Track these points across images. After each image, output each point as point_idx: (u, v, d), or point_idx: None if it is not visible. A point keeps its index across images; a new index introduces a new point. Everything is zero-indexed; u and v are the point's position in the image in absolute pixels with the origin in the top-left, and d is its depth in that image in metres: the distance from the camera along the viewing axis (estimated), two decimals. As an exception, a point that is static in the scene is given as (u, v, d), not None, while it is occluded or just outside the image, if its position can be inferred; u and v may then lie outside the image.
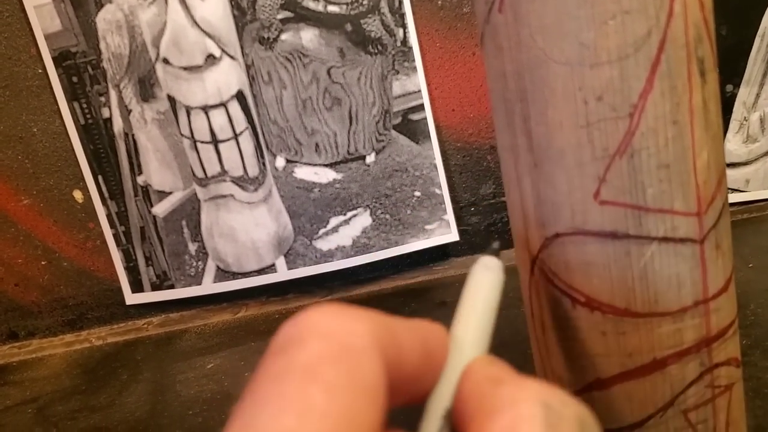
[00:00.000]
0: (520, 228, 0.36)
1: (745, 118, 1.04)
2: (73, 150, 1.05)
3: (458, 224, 1.06)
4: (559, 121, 0.31)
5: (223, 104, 1.00)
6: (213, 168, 1.03)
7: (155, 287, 1.11)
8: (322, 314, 0.24)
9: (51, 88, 1.02)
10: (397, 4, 0.98)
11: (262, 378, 0.22)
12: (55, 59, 1.01)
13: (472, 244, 1.11)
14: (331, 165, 1.03)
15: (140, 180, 1.05)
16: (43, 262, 1.12)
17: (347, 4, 0.97)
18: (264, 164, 1.03)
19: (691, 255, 0.32)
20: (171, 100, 1.01)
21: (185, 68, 0.99)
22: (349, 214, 1.05)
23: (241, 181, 1.04)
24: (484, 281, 0.31)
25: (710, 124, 0.31)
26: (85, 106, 1.02)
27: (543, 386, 0.24)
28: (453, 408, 0.26)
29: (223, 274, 1.09)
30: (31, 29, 1.00)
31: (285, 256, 1.07)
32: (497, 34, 0.32)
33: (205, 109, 1.00)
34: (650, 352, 0.33)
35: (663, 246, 0.31)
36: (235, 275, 1.08)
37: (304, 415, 0.20)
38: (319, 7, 0.97)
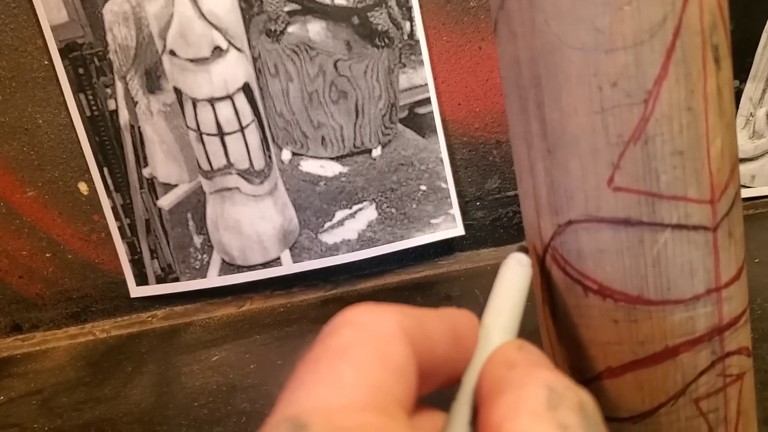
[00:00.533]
0: (532, 216, 0.36)
1: (751, 113, 1.04)
2: (78, 142, 1.05)
3: (464, 219, 1.07)
4: (573, 107, 0.31)
5: (230, 97, 1.00)
6: (219, 161, 1.03)
7: (160, 280, 1.11)
8: (355, 310, 0.26)
9: (57, 79, 1.02)
10: (404, -3, 0.98)
11: (302, 364, 0.25)
12: (61, 51, 1.01)
13: (477, 238, 1.11)
14: (337, 158, 1.03)
15: (146, 172, 1.05)
16: (47, 255, 1.12)
17: (354, -4, 0.97)
18: (270, 157, 1.03)
19: (704, 243, 0.32)
20: (177, 92, 1.01)
21: (192, 60, 0.99)
22: (355, 207, 1.05)
23: (246, 174, 1.04)
24: (515, 275, 0.34)
25: (724, 112, 0.31)
26: (91, 97, 1.02)
27: (549, 372, 0.26)
28: (475, 389, 0.28)
29: (228, 267, 1.09)
30: (37, 20, 1.00)
31: (290, 249, 1.07)
32: (511, 19, 0.32)
33: (212, 101, 1.00)
34: (662, 340, 0.33)
35: (676, 233, 0.31)
36: (240, 268, 1.08)
37: (335, 387, 0.23)
38: (327, 0, 0.97)
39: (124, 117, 1.03)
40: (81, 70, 1.01)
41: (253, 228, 1.06)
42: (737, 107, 1.04)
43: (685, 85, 0.30)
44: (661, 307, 0.32)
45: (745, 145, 1.05)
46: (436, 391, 0.28)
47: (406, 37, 1.00)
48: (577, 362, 0.36)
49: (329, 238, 1.06)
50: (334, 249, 1.06)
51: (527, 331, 0.33)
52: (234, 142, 1.02)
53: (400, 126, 1.03)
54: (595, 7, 0.29)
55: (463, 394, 0.28)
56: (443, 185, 1.04)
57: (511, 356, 0.28)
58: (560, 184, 0.33)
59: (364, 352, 0.24)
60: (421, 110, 1.02)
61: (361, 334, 0.25)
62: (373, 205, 1.05)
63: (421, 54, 1.00)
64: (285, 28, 0.98)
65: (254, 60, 1.00)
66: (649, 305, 0.32)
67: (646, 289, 0.32)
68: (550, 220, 0.34)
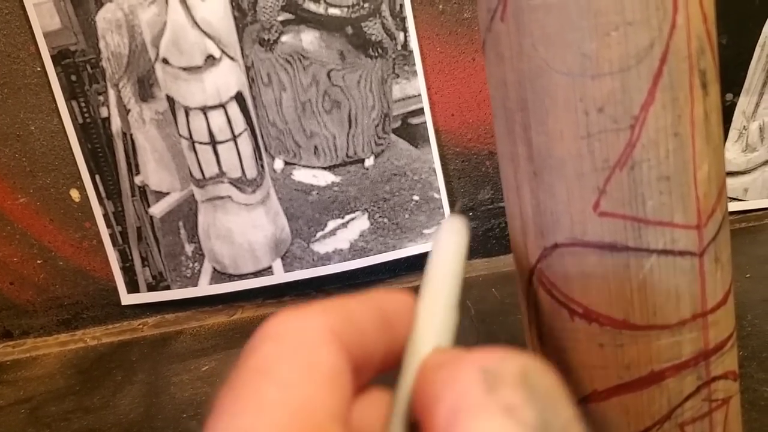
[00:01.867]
0: (518, 237, 0.36)
1: (744, 127, 1.04)
2: (70, 149, 1.05)
3: (456, 229, 1.06)
4: (559, 131, 0.31)
5: (222, 105, 1.00)
6: (211, 169, 1.03)
7: (151, 288, 1.10)
8: (275, 320, 0.24)
9: (49, 86, 1.02)
10: (398, 7, 0.98)
11: (223, 390, 0.22)
12: (54, 57, 1.00)
13: (469, 249, 1.11)
14: (329, 168, 1.03)
15: (138, 180, 1.05)
16: (38, 261, 1.11)
17: (348, 6, 0.97)
18: (262, 166, 1.03)
19: (690, 268, 0.32)
20: (170, 100, 1.01)
21: (185, 69, 0.99)
22: (347, 217, 1.05)
23: (239, 183, 1.03)
24: (449, 243, 0.32)
25: (711, 137, 0.31)
26: (83, 105, 1.02)
27: (479, 353, 0.23)
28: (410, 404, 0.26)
29: (219, 275, 1.08)
30: (30, 27, 0.99)
31: (282, 258, 1.07)
32: (499, 42, 0.32)
33: (204, 110, 1.00)
34: (648, 364, 0.33)
35: (662, 258, 0.31)
36: (232, 277, 1.08)
37: (258, 412, 0.21)
38: (320, 10, 0.97)
39: (116, 124, 1.03)
40: (73, 77, 1.01)
41: (244, 237, 1.06)
42: (730, 121, 1.04)
43: (672, 110, 0.30)
44: (647, 332, 0.32)
45: (737, 158, 1.05)
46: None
47: (399, 48, 1.00)
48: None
49: (321, 247, 1.06)
50: (326, 259, 1.06)
51: (514, 346, 0.32)
52: (226, 151, 1.02)
53: (393, 136, 1.03)
54: (582, 32, 0.29)
55: (401, 386, 0.26)
56: (436, 195, 1.04)
57: (440, 357, 0.26)
58: (546, 207, 0.33)
59: (288, 367, 0.22)
60: (414, 120, 1.02)
61: (283, 346, 0.23)
62: (366, 215, 1.05)
63: (414, 64, 1.00)
64: (278, 38, 0.98)
65: (247, 69, 0.99)
66: (635, 330, 0.32)
67: (632, 313, 0.32)
68: (537, 242, 0.34)
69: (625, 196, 0.30)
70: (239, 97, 1.00)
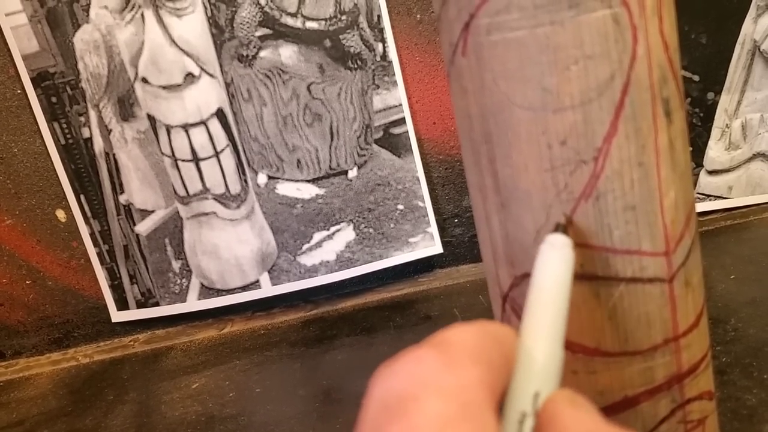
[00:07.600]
0: (490, 265, 0.36)
1: (726, 125, 1.04)
2: (54, 170, 1.05)
3: (442, 236, 1.06)
4: (524, 164, 0.31)
5: (203, 122, 1.00)
6: (195, 186, 1.03)
7: (140, 305, 1.10)
8: (426, 364, 0.22)
9: (30, 108, 1.02)
10: (375, 19, 0.98)
11: None
12: (33, 80, 1.00)
13: (456, 255, 1.11)
14: (313, 180, 1.03)
15: (122, 199, 1.05)
16: (27, 282, 1.11)
17: (326, 19, 0.97)
18: (246, 181, 1.03)
19: (659, 294, 0.32)
20: (151, 119, 1.01)
21: (164, 87, 0.98)
22: (333, 228, 1.05)
23: (223, 199, 1.03)
24: (550, 262, 0.29)
25: (677, 163, 0.31)
26: (65, 126, 1.02)
27: None
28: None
29: (207, 291, 1.08)
30: (8, 50, 0.99)
31: (269, 272, 1.07)
32: (461, 76, 0.32)
33: (186, 127, 1.00)
34: (621, 390, 0.33)
35: (631, 286, 0.31)
36: (220, 292, 1.08)
37: None
38: (298, 24, 0.97)
39: (98, 145, 1.03)
40: (54, 99, 1.01)
41: (231, 252, 1.06)
42: (713, 119, 1.04)
43: (636, 140, 0.30)
44: (619, 359, 0.32)
45: (721, 156, 1.05)
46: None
47: (378, 59, 0.99)
48: (540, 410, 0.36)
49: (308, 259, 1.06)
50: (312, 270, 1.06)
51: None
52: (209, 168, 1.02)
53: (375, 147, 1.02)
54: (542, 66, 0.29)
55: (509, 422, 0.25)
56: (420, 204, 1.04)
57: (585, 420, 0.24)
58: (515, 237, 0.33)
59: None
60: (396, 130, 1.02)
61: (453, 406, 0.21)
62: (351, 226, 1.05)
63: (394, 74, 1.00)
64: (257, 53, 0.98)
65: (227, 85, 0.99)
66: (607, 357, 0.32)
67: (604, 341, 0.32)
68: (507, 271, 0.34)
69: (591, 227, 0.30)
70: (220, 114, 1.00)
